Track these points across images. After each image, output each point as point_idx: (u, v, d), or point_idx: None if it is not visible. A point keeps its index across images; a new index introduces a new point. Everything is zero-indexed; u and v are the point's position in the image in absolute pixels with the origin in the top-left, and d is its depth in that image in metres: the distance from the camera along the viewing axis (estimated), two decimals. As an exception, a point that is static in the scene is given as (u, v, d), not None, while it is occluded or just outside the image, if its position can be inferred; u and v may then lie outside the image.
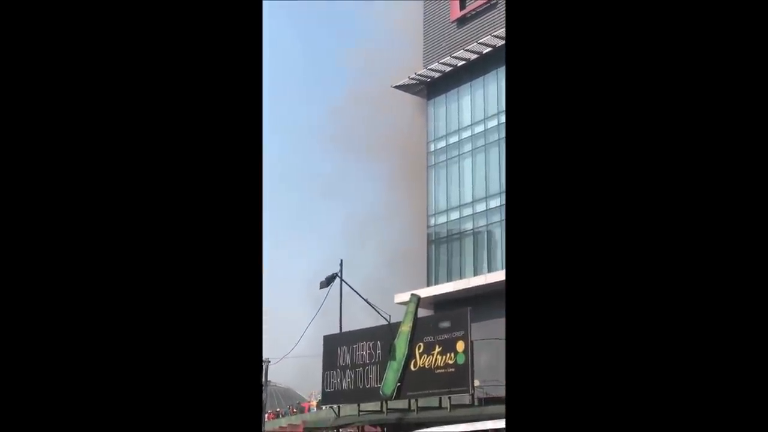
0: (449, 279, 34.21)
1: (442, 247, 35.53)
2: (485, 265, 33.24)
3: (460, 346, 21.18)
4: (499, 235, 32.97)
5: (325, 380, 24.85)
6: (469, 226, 34.44)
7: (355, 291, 24.20)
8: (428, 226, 36.07)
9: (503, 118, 33.56)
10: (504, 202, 32.68)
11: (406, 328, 22.81)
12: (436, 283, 34.41)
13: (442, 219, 35.61)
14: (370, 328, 24.29)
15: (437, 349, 21.71)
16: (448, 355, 21.39)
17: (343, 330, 25.80)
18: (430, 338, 22.03)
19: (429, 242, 35.90)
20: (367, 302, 23.67)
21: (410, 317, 22.95)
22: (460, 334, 21.31)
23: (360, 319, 27.17)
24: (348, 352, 24.07)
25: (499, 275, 31.06)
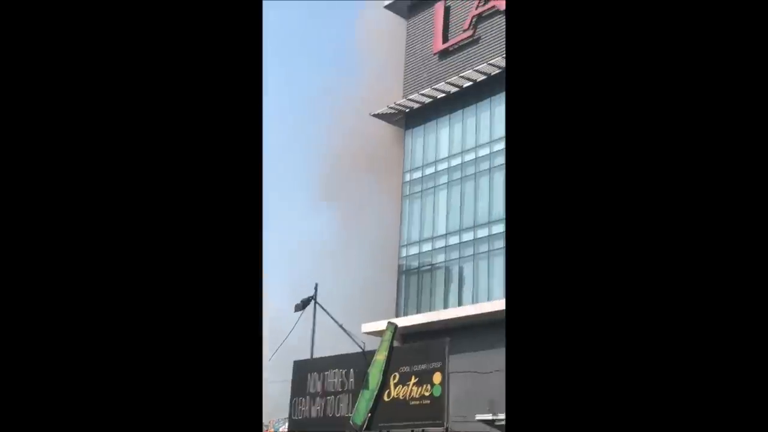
0: (419, 311, 33.82)
1: (412, 279, 35.17)
2: (456, 298, 32.96)
3: (437, 377, 20.70)
4: (471, 269, 32.79)
5: (294, 407, 24.06)
6: (441, 258, 34.18)
7: (330, 316, 23.65)
8: (399, 257, 35.72)
9: (481, 152, 33.63)
10: (477, 236, 32.60)
11: (381, 357, 22.25)
12: (405, 314, 33.96)
13: (414, 250, 35.31)
14: (344, 355, 23.67)
15: (413, 380, 21.18)
16: (424, 386, 20.88)
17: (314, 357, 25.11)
18: (406, 368, 21.50)
19: (399, 273, 35.52)
20: (342, 328, 23.13)
21: (386, 345, 22.42)
22: (437, 365, 20.84)
23: (328, 346, 26.54)
24: (319, 379, 23.38)
25: (470, 309, 30.87)
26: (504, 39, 33.44)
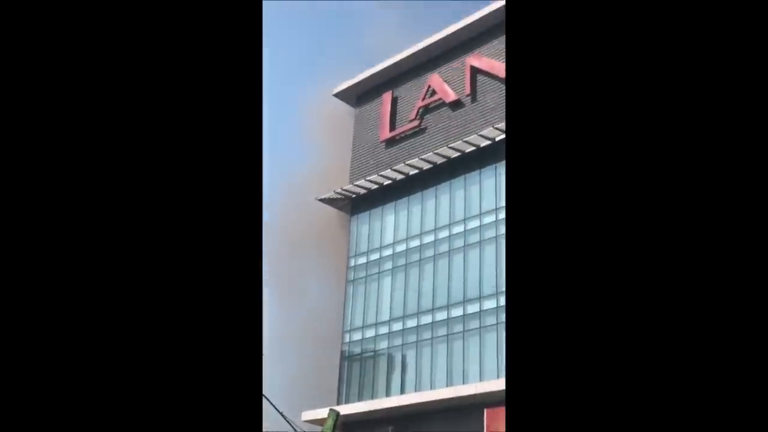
0: (360, 398, 33.22)
1: (355, 365, 34.68)
2: (398, 386, 32.54)
3: (379, 468, 20.20)
4: (414, 356, 32.55)
5: (229, 499, 23.06)
6: (384, 345, 33.88)
7: (271, 403, 22.97)
8: (343, 343, 35.28)
9: (426, 239, 33.93)
10: (420, 323, 32.52)
11: (322, 446, 21.61)
12: (347, 402, 33.31)
13: (357, 336, 34.96)
14: (284, 444, 22.94)
15: (354, 470, 20.62)
16: (366, 477, 20.33)
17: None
18: (347, 458, 20.95)
19: (342, 359, 35.00)
20: (283, 416, 22.45)
21: (327, 434, 21.80)
22: (380, 455, 20.36)
23: (267, 435, 25.71)
24: (257, 468, 22.54)
25: (413, 397, 30.47)
26: (448, 130, 34.36)
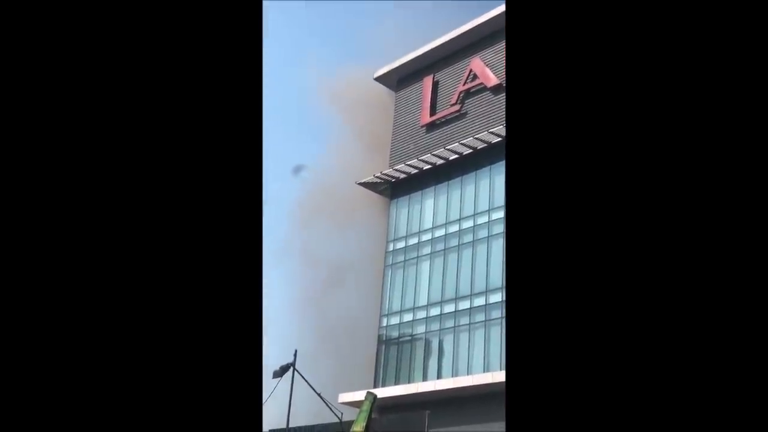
0: (397, 382, 33.35)
1: (392, 349, 34.80)
2: (435, 370, 32.59)
3: (416, 451, 20.30)
4: (452, 341, 32.56)
5: (266, 478, 23.40)
6: (421, 329, 33.94)
7: (309, 384, 23.19)
8: (380, 327, 35.42)
9: (465, 224, 33.81)
10: (458, 308, 32.47)
11: (358, 429, 21.74)
12: (383, 385, 33.47)
13: (395, 320, 35.06)
14: (320, 425, 23.20)
15: (391, 453, 20.76)
16: (402, 460, 20.46)
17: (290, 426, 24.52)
18: (383, 440, 21.08)
19: (379, 343, 35.14)
20: (320, 397, 22.65)
21: (364, 416, 21.90)
22: (416, 438, 20.47)
23: (304, 415, 25.98)
24: (294, 449, 22.80)
25: (449, 382, 30.49)
26: (489, 114, 34.09)
